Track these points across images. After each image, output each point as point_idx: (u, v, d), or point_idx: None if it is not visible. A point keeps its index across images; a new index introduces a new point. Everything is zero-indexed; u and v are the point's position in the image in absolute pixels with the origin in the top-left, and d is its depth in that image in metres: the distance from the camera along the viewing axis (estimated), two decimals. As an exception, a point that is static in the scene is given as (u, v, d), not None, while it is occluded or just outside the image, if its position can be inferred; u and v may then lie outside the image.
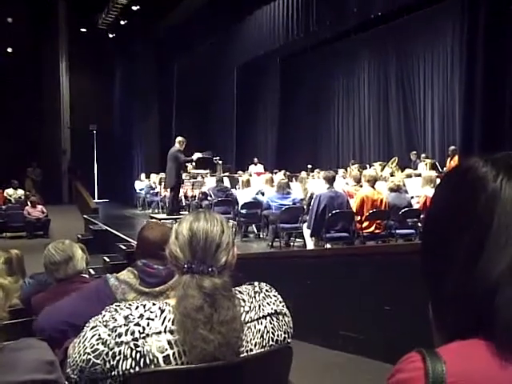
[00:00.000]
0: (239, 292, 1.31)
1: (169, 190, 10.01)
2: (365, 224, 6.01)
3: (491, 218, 0.60)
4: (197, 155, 9.81)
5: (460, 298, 0.61)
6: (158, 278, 1.85)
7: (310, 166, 12.88)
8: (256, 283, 1.37)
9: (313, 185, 8.83)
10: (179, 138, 9.46)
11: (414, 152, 12.09)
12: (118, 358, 1.15)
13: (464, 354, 0.58)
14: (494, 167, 0.63)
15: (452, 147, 10.63)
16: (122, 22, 15.35)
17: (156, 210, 12.13)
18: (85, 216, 12.19)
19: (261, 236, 8.18)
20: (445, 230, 0.65)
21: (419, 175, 8.18)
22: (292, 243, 7.34)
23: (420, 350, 0.59)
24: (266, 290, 1.35)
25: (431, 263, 0.67)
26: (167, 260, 1.96)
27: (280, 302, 1.34)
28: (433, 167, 10.68)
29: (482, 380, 0.56)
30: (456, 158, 10.06)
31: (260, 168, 14.77)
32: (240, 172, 13.22)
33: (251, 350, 1.24)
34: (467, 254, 0.61)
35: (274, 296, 1.35)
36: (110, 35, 16.51)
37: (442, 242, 0.65)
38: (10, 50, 17.39)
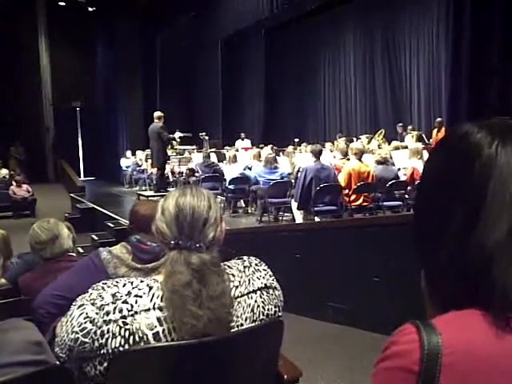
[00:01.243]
0: (228, 267, 1.29)
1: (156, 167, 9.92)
2: (352, 197, 6.04)
3: (486, 185, 0.58)
4: (178, 134, 9.74)
5: (455, 268, 0.59)
6: (150, 254, 1.84)
7: (296, 140, 12.84)
8: (245, 257, 1.35)
9: (300, 159, 8.81)
10: (158, 113, 9.13)
11: (400, 124, 12.10)
12: (106, 336, 1.13)
13: (459, 324, 0.57)
14: (488, 133, 0.61)
15: (439, 119, 10.65)
16: (102, -5, 14.96)
17: (143, 188, 12.07)
18: (71, 194, 12.09)
19: (249, 211, 8.19)
20: (439, 199, 0.63)
21: (406, 147, 8.20)
22: (280, 218, 7.36)
23: (414, 321, 0.58)
24: (256, 265, 1.33)
25: (425, 233, 0.66)
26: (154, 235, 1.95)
27: (270, 276, 1.34)
28: (419, 139, 10.70)
29: (479, 351, 0.55)
30: (443, 129, 10.09)
31: (247, 143, 14.69)
32: (227, 147, 13.14)
33: (242, 324, 1.23)
34: (462, 223, 0.59)
35: (264, 270, 1.34)
36: (90, 9, 16.09)
37: (436, 210, 0.63)
38: (-14, 25, 16.87)
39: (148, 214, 1.92)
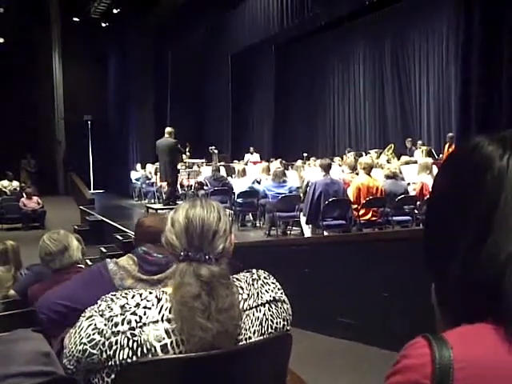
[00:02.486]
0: (237, 279, 1.29)
1: (165, 181, 9.96)
2: (361, 211, 6.00)
3: (498, 197, 0.58)
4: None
5: (467, 281, 0.59)
6: (157, 266, 1.85)
7: (305, 155, 12.86)
8: (254, 270, 1.35)
9: (309, 173, 8.81)
10: (169, 129, 9.22)
11: (410, 139, 12.07)
12: (114, 347, 1.13)
13: (471, 338, 0.57)
14: (499, 146, 0.61)
15: (450, 134, 10.61)
16: (115, 11, 15.19)
17: (152, 201, 12.11)
18: (81, 207, 12.16)
19: (257, 225, 8.17)
20: (450, 212, 0.63)
21: (415, 162, 8.17)
22: (289, 232, 7.34)
23: (426, 335, 0.58)
24: (264, 278, 1.33)
25: (436, 246, 0.66)
26: (161, 247, 1.97)
27: (278, 289, 1.33)
28: (429, 154, 10.66)
29: (490, 365, 0.55)
30: (454, 145, 10.04)
31: (256, 157, 14.73)
32: (236, 161, 13.18)
33: (250, 337, 1.23)
34: (474, 236, 0.59)
35: (273, 283, 1.33)
36: (103, 24, 16.34)
37: (447, 224, 0.63)
38: (1, 40, 17.19)
39: (154, 226, 1.95)
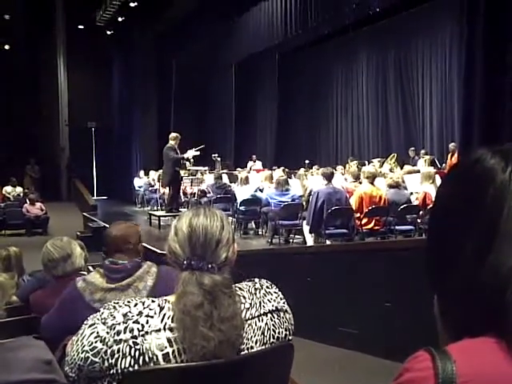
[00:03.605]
0: (239, 289, 1.29)
1: (167, 187, 9.96)
2: (364, 220, 6.00)
3: (501, 210, 0.58)
4: (190, 153, 9.66)
5: (469, 294, 0.59)
6: (123, 272, 1.96)
7: (307, 162, 12.87)
8: (256, 280, 1.35)
9: (311, 181, 8.81)
10: (173, 135, 9.20)
11: (412, 148, 12.08)
12: (116, 356, 1.13)
13: (474, 352, 0.56)
14: (502, 158, 0.62)
15: (453, 143, 10.61)
16: (120, 19, 15.29)
17: (155, 207, 12.12)
18: (84, 213, 12.17)
19: (260, 233, 8.16)
20: (453, 224, 0.63)
21: (418, 171, 8.16)
22: (291, 240, 7.33)
23: (428, 348, 0.58)
24: (267, 287, 1.33)
25: (438, 258, 0.66)
26: (132, 253, 2.06)
27: (281, 299, 1.33)
28: (432, 163, 10.67)
29: (493, 379, 0.54)
30: (456, 154, 10.05)
31: (259, 165, 14.74)
32: (239, 169, 13.19)
33: (252, 347, 1.22)
34: (476, 248, 0.59)
35: (275, 293, 1.33)
36: (108, 32, 16.44)
37: (449, 236, 0.63)
38: (7, 47, 17.32)
39: (120, 235, 2.08)
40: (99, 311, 1.21)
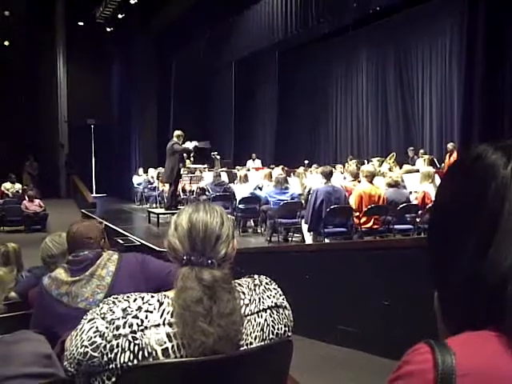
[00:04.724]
0: (239, 285, 1.29)
1: (166, 184, 9.97)
2: (363, 219, 6.00)
3: (502, 205, 0.58)
4: (193, 143, 9.75)
5: (469, 289, 0.59)
6: (85, 262, 2.02)
7: (306, 162, 12.87)
8: (256, 276, 1.35)
9: (310, 180, 8.81)
10: (177, 132, 9.32)
11: (411, 148, 12.08)
12: (115, 350, 1.13)
13: (474, 345, 0.57)
14: (503, 154, 0.61)
15: (451, 143, 10.62)
16: (120, 16, 15.27)
17: (154, 205, 12.12)
18: (82, 210, 12.16)
19: (259, 231, 8.17)
20: (454, 220, 0.63)
21: (417, 171, 8.17)
22: (290, 238, 7.33)
23: (428, 341, 0.58)
24: (266, 283, 1.33)
25: (439, 254, 0.66)
26: (94, 245, 2.10)
27: (280, 295, 1.33)
28: (431, 163, 10.67)
29: (493, 372, 0.55)
30: (455, 154, 10.05)
31: (258, 163, 14.75)
32: (238, 167, 13.19)
33: (251, 343, 1.23)
34: (477, 244, 0.59)
35: (274, 289, 1.33)
36: (108, 29, 16.42)
37: (450, 231, 0.63)
38: (6, 43, 17.29)
39: (78, 232, 2.15)
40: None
